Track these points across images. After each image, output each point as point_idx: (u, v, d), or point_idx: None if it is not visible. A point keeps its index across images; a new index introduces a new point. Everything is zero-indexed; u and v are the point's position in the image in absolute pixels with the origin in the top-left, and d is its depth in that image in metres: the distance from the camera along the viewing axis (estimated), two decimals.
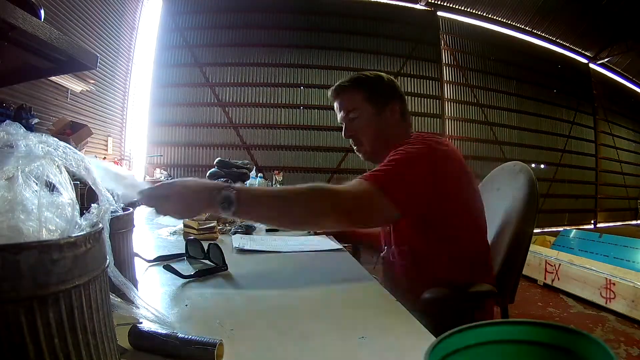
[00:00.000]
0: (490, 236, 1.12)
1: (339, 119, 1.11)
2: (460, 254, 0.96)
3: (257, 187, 0.87)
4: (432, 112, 7.40)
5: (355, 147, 1.13)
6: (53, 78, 3.80)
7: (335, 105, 1.11)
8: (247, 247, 1.02)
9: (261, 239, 1.18)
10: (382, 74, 1.12)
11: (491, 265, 1.04)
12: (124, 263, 0.59)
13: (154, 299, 0.63)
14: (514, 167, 1.22)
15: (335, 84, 1.10)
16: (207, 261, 0.85)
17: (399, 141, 1.00)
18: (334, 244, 1.13)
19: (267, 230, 1.38)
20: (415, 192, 0.87)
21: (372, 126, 1.06)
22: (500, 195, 1.20)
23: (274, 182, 2.95)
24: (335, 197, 0.80)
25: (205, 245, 0.87)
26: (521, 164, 1.20)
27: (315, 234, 1.29)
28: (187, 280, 0.72)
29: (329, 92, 1.11)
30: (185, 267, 0.83)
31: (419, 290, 0.85)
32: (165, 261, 0.83)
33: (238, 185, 0.78)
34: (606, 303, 3.03)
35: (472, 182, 1.01)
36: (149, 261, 0.81)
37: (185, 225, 1.25)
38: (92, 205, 0.36)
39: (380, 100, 1.06)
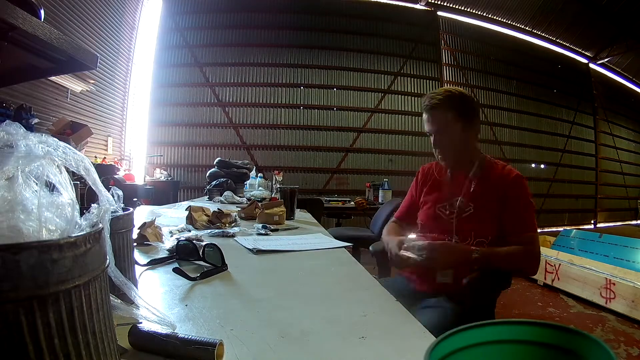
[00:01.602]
0: None
1: (426, 128, 1.27)
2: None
3: (495, 252, 1.13)
4: None
5: (439, 156, 1.28)
6: (53, 78, 3.80)
7: (425, 116, 1.25)
8: (264, 248, 1.04)
9: (270, 239, 1.22)
10: (464, 91, 1.27)
11: None
12: (124, 263, 0.59)
13: (154, 299, 0.63)
14: None
15: (429, 100, 1.23)
16: (201, 262, 0.85)
17: (476, 156, 1.26)
18: (339, 242, 1.20)
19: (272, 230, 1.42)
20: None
21: (458, 142, 1.23)
22: None
23: (274, 182, 2.95)
24: (536, 258, 1.14)
25: (199, 246, 0.87)
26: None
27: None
28: (187, 280, 0.72)
29: (423, 106, 1.26)
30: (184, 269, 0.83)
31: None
32: (157, 265, 0.83)
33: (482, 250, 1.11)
34: (606, 303, 3.03)
35: None
36: (143, 265, 0.81)
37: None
38: (92, 205, 0.36)
39: (467, 119, 1.22)
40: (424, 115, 1.26)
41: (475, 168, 1.24)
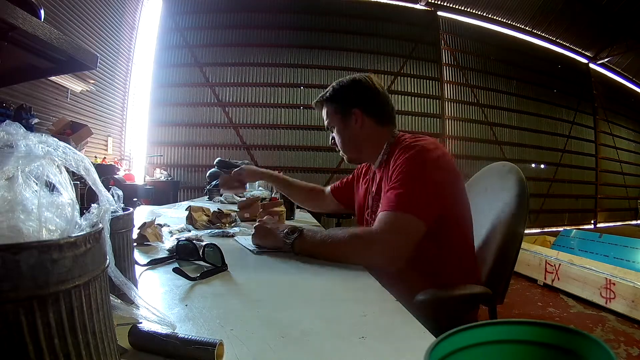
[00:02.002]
0: (478, 237, 1.12)
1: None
2: (450, 255, 1.00)
3: (313, 232, 0.96)
4: (432, 112, 7.40)
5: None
6: (53, 78, 3.80)
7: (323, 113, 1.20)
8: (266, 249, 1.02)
9: None
10: (353, 77, 1.15)
11: (477, 267, 1.08)
12: (124, 263, 0.59)
13: (154, 299, 0.63)
14: (502, 168, 1.19)
15: (318, 97, 1.19)
16: (201, 262, 0.85)
17: (379, 146, 1.12)
18: None
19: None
20: (432, 203, 0.93)
21: (344, 137, 1.15)
22: (489, 196, 1.19)
23: None
24: (377, 243, 0.88)
25: (199, 246, 0.86)
26: (510, 164, 1.19)
27: None
28: (187, 280, 0.72)
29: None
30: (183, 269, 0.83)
31: (412, 292, 0.88)
32: (157, 265, 0.83)
33: (300, 232, 0.96)
34: (606, 303, 3.03)
35: (462, 182, 1.05)
36: (143, 265, 0.81)
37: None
38: (92, 205, 0.36)
39: (344, 111, 1.13)
40: None
41: (380, 157, 1.11)
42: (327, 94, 1.16)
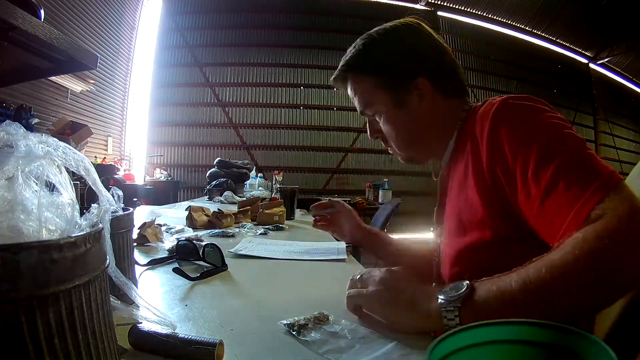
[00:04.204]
0: None
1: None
2: None
3: (495, 284, 0.45)
4: None
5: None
6: (53, 78, 3.80)
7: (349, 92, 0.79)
8: (242, 252, 0.99)
9: (258, 243, 1.13)
10: (398, 24, 0.79)
11: None
12: (124, 263, 0.59)
13: (154, 299, 0.63)
14: None
15: (339, 67, 0.78)
16: (201, 262, 0.85)
17: (451, 130, 0.71)
18: (335, 254, 0.99)
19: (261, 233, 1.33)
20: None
21: (401, 126, 0.74)
22: None
23: (274, 182, 2.95)
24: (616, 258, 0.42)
25: (199, 246, 0.87)
26: None
27: None
28: (187, 280, 0.72)
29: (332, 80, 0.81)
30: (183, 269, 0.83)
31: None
32: (157, 265, 0.83)
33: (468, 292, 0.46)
34: None
35: None
36: (143, 265, 0.81)
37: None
38: (92, 205, 0.36)
39: (397, 84, 0.72)
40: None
41: (451, 145, 0.72)
42: (360, 57, 0.74)
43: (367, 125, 0.80)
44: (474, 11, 7.98)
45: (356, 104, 0.77)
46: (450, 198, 0.72)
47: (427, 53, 0.73)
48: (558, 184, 0.50)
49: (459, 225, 0.66)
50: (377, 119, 0.76)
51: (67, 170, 0.34)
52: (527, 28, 8.47)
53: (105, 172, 3.90)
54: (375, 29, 0.77)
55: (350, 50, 0.77)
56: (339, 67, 0.77)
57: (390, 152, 0.80)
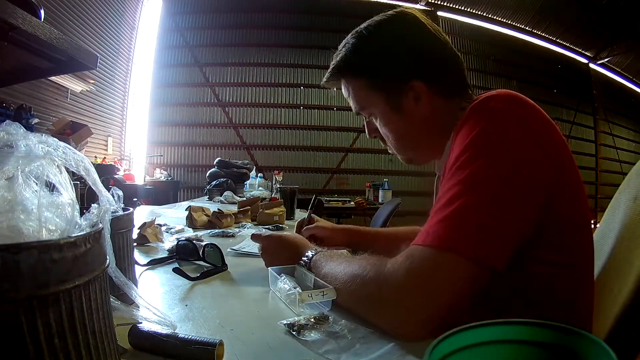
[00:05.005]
0: (599, 264, 0.71)
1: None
2: (561, 290, 0.60)
3: (329, 257, 0.66)
4: None
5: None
6: (53, 78, 3.80)
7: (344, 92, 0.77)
8: (245, 250, 1.01)
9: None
10: (391, 16, 0.75)
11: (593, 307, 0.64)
12: (124, 263, 0.59)
13: (154, 300, 0.63)
14: None
15: (329, 69, 0.77)
16: (201, 262, 0.85)
17: (449, 129, 0.65)
18: None
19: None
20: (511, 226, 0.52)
21: (397, 129, 0.72)
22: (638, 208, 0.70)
23: (274, 182, 2.95)
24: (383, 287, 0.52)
25: (199, 246, 0.87)
26: None
27: None
28: (187, 280, 0.72)
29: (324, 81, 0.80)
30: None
31: None
32: (157, 265, 0.83)
33: (314, 253, 0.68)
34: None
35: (565, 148, 0.59)
36: (143, 265, 0.81)
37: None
38: (92, 205, 0.36)
39: (391, 87, 0.69)
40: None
41: (447, 147, 0.65)
42: (350, 58, 0.72)
43: (365, 124, 0.79)
44: (474, 11, 7.98)
45: (351, 104, 0.76)
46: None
47: (422, 50, 0.68)
48: (443, 212, 0.52)
49: None
50: (374, 120, 0.75)
51: (67, 170, 0.34)
52: (527, 28, 8.47)
53: (105, 172, 3.90)
54: (366, 24, 0.75)
55: (340, 50, 0.76)
56: (330, 69, 0.76)
57: (390, 151, 0.79)
